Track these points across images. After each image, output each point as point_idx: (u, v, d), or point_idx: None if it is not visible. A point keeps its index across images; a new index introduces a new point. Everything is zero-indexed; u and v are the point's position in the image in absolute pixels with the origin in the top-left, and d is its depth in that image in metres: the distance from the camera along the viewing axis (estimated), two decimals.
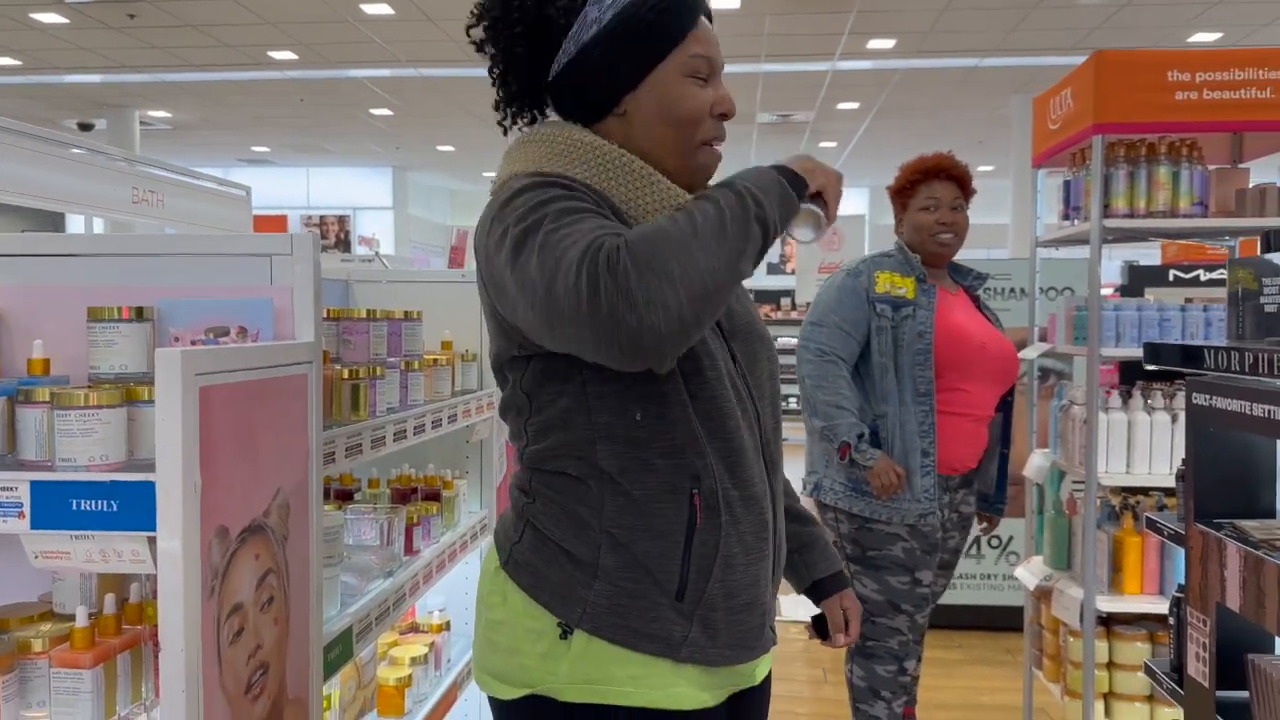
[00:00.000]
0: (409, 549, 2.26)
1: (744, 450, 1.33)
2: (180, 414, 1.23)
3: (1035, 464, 3.53)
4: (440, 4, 8.06)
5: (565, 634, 1.28)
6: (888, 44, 9.07)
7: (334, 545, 1.82)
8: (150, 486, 1.26)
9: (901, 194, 2.99)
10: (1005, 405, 2.98)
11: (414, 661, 2.40)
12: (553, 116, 1.42)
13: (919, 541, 2.79)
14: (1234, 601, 1.68)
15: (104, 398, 1.32)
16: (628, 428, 1.28)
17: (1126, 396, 3.18)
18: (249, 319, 1.54)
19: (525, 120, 1.43)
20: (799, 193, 1.28)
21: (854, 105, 11.46)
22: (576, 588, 1.29)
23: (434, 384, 2.36)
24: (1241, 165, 3.40)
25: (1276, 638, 1.70)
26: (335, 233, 15.29)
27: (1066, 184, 3.44)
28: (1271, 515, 1.85)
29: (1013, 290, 4.82)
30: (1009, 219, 11.33)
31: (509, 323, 1.28)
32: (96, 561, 1.33)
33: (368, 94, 11.13)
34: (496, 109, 1.43)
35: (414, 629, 2.65)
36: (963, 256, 3.05)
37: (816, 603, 1.63)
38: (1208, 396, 1.78)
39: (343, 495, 2.36)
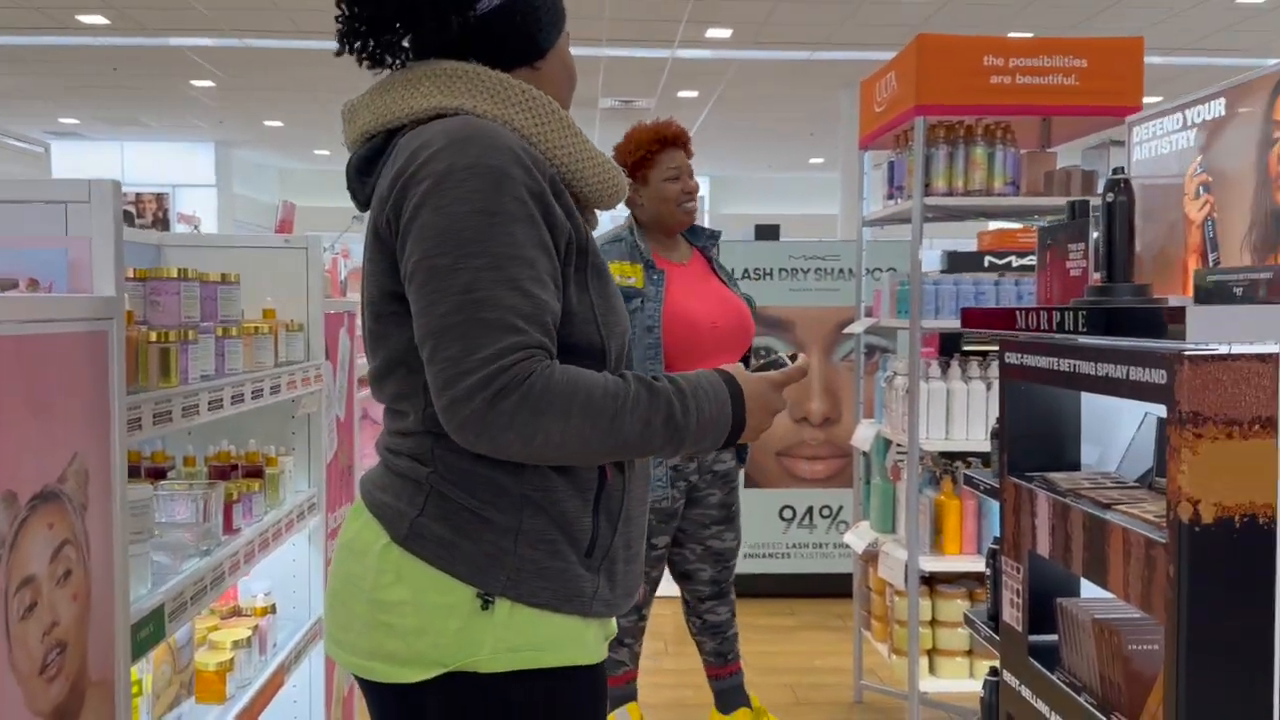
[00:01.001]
0: (228, 527, 2.14)
1: None
2: None
3: (862, 434, 3.66)
4: None
5: (487, 604, 1.23)
6: (725, 33, 9.22)
7: (143, 520, 1.70)
8: None
9: (640, 166, 2.86)
10: (744, 361, 3.05)
11: (236, 645, 2.27)
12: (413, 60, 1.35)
13: (654, 515, 2.87)
14: (1044, 548, 1.77)
15: None
16: None
17: (946, 367, 3.33)
18: (41, 271, 1.42)
19: (396, 59, 1.34)
20: (729, 443, 1.31)
21: (694, 94, 11.60)
22: (497, 555, 1.24)
23: (254, 353, 2.24)
24: (1050, 149, 3.61)
25: (1082, 581, 1.81)
26: (153, 211, 14.42)
27: (891, 165, 3.57)
28: (1077, 468, 1.97)
29: (841, 270, 4.99)
30: (838, 209, 11.72)
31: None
32: None
33: (188, 64, 10.52)
34: (350, 41, 1.32)
35: (236, 613, 2.52)
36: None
37: None
38: (1018, 355, 1.88)
39: (155, 473, 2.22)
